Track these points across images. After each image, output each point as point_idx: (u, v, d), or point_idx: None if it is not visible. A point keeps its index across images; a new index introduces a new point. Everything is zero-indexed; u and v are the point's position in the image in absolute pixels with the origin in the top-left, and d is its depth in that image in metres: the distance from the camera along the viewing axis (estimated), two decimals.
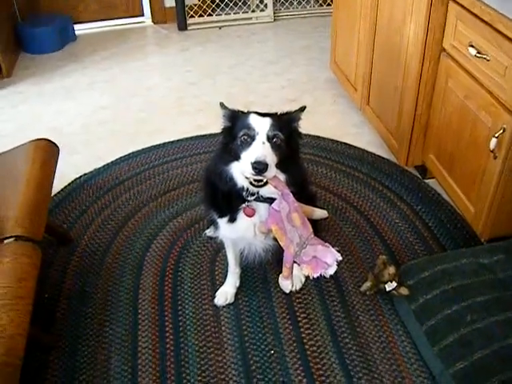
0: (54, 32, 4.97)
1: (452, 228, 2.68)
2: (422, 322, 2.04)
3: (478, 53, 2.24)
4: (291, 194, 1.89)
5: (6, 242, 1.89)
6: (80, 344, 2.19)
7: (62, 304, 2.37)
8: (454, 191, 2.64)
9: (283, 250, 1.96)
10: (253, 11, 5.56)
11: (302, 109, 1.97)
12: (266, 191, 1.91)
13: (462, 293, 2.06)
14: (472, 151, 2.43)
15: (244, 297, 2.37)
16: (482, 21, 2.19)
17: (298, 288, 2.40)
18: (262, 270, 2.48)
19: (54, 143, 2.40)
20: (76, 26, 5.20)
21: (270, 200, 1.92)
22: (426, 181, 3.02)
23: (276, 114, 1.96)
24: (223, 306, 2.33)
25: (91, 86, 4.28)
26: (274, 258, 2.36)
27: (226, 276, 2.41)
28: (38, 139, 2.39)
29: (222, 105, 1.97)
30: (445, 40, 2.54)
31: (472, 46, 2.28)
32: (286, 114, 1.98)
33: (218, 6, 5.60)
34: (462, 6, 2.33)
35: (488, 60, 2.20)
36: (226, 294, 2.37)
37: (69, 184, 3.08)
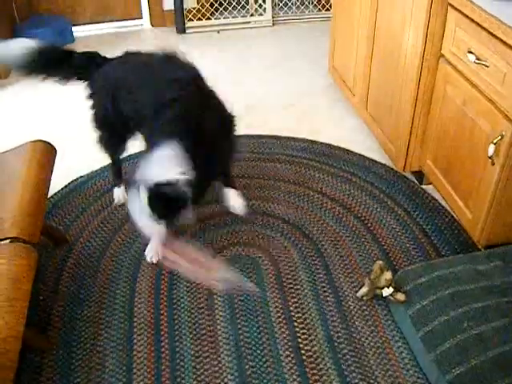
0: (52, 34, 4.96)
1: (449, 234, 2.68)
2: (418, 328, 2.03)
3: (477, 59, 2.24)
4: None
5: (2, 243, 1.88)
6: (75, 347, 2.18)
7: (58, 306, 2.36)
8: (451, 197, 2.64)
9: None
10: (251, 15, 5.56)
11: None
12: None
13: (459, 299, 2.06)
14: (470, 157, 2.43)
15: (240, 301, 2.36)
16: (482, 27, 2.19)
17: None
18: (258, 273, 2.48)
19: (51, 144, 2.40)
20: (74, 28, 5.19)
21: None
22: (424, 186, 3.01)
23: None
24: (219, 310, 2.32)
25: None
26: None
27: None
28: (35, 140, 2.39)
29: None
30: (444, 46, 2.54)
31: (471, 53, 2.28)
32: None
33: (216, 9, 5.60)
34: (462, 13, 2.33)
35: (487, 66, 2.20)
36: (156, 250, 2.55)
37: (65, 186, 3.07)
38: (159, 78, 2.43)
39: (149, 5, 5.43)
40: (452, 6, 2.41)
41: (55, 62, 2.70)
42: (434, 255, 2.56)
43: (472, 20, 2.25)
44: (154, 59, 2.59)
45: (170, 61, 2.55)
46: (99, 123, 2.72)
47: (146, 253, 2.59)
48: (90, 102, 2.70)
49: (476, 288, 2.10)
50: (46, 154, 2.34)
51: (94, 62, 2.71)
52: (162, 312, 2.32)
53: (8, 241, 1.89)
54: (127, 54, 2.73)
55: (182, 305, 2.35)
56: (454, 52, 2.44)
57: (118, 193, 2.97)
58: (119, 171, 2.98)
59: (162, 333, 2.23)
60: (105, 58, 2.74)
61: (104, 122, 2.70)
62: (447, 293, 2.09)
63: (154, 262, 2.56)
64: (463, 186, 2.52)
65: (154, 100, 2.35)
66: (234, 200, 2.85)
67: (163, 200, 2.05)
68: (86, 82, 2.74)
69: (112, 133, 2.72)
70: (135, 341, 2.20)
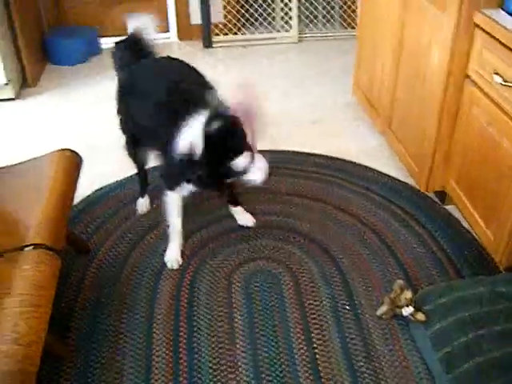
0: (79, 44, 5.05)
1: (470, 255, 2.66)
2: (437, 349, 2.02)
3: (504, 81, 2.23)
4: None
5: (26, 249, 1.90)
6: (94, 355, 2.20)
7: (78, 314, 2.38)
8: (473, 218, 2.63)
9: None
10: (277, 31, 5.60)
11: None
12: None
13: (479, 321, 2.04)
14: (494, 179, 2.42)
15: (260, 315, 2.36)
16: (509, 49, 2.19)
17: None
18: (278, 290, 2.48)
19: (78, 154, 2.42)
20: (101, 40, 5.26)
21: None
22: (446, 206, 3.00)
23: None
24: (238, 323, 2.32)
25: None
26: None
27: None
28: (62, 149, 2.41)
29: None
30: (469, 67, 2.54)
31: (497, 74, 2.28)
32: None
33: (243, 25, 5.65)
34: (488, 34, 2.33)
35: None
36: (176, 257, 2.62)
37: (90, 195, 3.11)
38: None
39: (176, 19, 5.50)
40: (478, 27, 2.41)
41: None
42: (455, 276, 2.54)
43: (499, 41, 2.25)
44: (170, 68, 2.72)
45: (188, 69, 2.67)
46: (122, 128, 2.79)
47: (165, 259, 2.63)
48: (116, 102, 2.76)
49: (496, 310, 2.09)
50: (73, 162, 2.36)
51: (125, 59, 2.77)
52: (181, 324, 2.33)
53: (32, 247, 1.91)
54: (151, 58, 2.81)
55: (202, 316, 2.36)
56: (480, 73, 2.44)
57: (141, 203, 3.00)
58: (144, 181, 3.02)
59: (181, 344, 2.24)
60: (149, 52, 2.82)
61: (125, 127, 2.77)
62: (467, 314, 2.07)
63: (175, 267, 2.59)
64: (486, 206, 2.51)
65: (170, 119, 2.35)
66: (242, 215, 2.90)
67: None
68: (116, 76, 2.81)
69: (131, 139, 2.78)
70: (154, 351, 2.21)
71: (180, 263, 2.62)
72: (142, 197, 3.01)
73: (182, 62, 2.73)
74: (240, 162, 2.14)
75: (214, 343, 2.24)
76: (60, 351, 2.19)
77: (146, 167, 2.98)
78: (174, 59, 2.77)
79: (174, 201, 2.58)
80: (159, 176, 2.77)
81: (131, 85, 2.63)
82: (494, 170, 2.41)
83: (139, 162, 2.93)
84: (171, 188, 2.53)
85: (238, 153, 2.14)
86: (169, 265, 2.61)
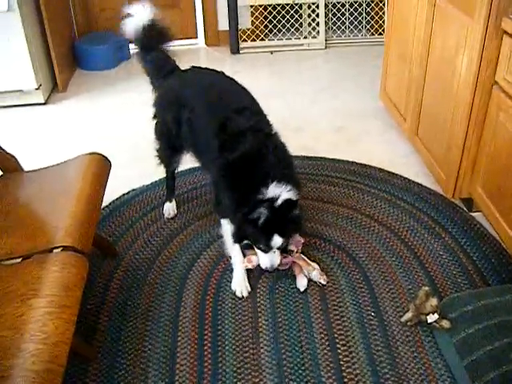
0: (109, 50, 5.12)
1: (497, 263, 2.64)
2: (462, 357, 2.01)
3: None
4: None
5: (54, 251, 1.93)
6: (119, 357, 2.22)
7: (104, 316, 2.41)
8: (500, 225, 2.61)
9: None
10: (305, 38, 5.61)
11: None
12: None
13: (506, 329, 2.03)
14: None
15: (284, 320, 2.37)
16: None
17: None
18: (303, 295, 2.48)
19: (106, 158, 2.45)
20: (131, 46, 5.30)
21: None
22: (472, 214, 2.98)
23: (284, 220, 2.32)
24: (263, 330, 2.33)
25: (143, 104, 4.32)
26: None
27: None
28: (91, 153, 2.45)
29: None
30: (497, 73, 2.52)
31: None
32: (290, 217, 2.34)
33: (270, 31, 5.67)
34: None
35: None
36: (244, 284, 2.53)
37: (117, 198, 3.14)
38: (224, 106, 2.55)
39: (204, 25, 5.55)
40: (507, 33, 2.40)
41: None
42: (481, 283, 2.52)
43: None
44: (219, 82, 2.76)
45: (233, 87, 2.71)
46: (159, 134, 2.84)
47: (233, 288, 2.54)
48: (153, 111, 2.82)
49: None
50: (101, 166, 2.39)
51: (168, 66, 2.86)
52: (206, 328, 2.34)
53: (61, 249, 1.94)
54: (194, 69, 2.85)
55: (226, 321, 2.37)
56: (508, 79, 2.42)
57: (169, 207, 3.02)
58: (172, 186, 3.04)
59: (206, 348, 2.25)
60: (177, 67, 2.88)
61: (162, 133, 2.81)
62: (493, 322, 2.06)
63: (245, 295, 2.51)
64: None
65: (215, 130, 2.48)
66: None
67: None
68: (152, 87, 2.92)
69: (169, 145, 2.82)
70: (178, 354, 2.22)
71: (249, 290, 2.52)
72: (170, 201, 3.03)
73: (230, 78, 2.80)
74: (276, 240, 2.34)
75: (239, 347, 2.25)
76: (86, 352, 2.21)
77: (176, 171, 3.03)
78: (218, 72, 2.85)
79: (229, 228, 2.58)
80: (213, 206, 2.84)
81: (180, 96, 2.69)
82: None
83: (171, 168, 2.97)
84: (226, 216, 2.57)
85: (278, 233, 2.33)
86: (238, 293, 2.50)
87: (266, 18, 5.57)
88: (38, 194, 2.34)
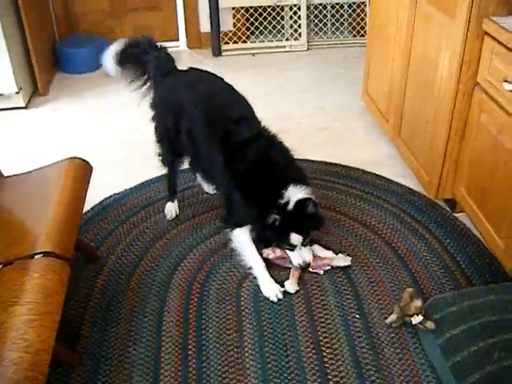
0: (90, 53, 5.07)
1: (480, 263, 2.65)
2: (447, 358, 2.01)
3: None
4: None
5: (35, 257, 1.91)
6: (102, 363, 2.20)
7: (87, 322, 2.39)
8: (483, 226, 2.61)
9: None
10: (287, 39, 5.62)
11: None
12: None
13: (490, 329, 2.03)
14: (504, 187, 2.41)
15: (268, 323, 2.36)
16: None
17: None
18: (287, 297, 2.47)
19: (88, 162, 2.43)
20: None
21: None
22: (456, 214, 2.99)
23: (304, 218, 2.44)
24: (248, 332, 2.32)
25: (125, 107, 4.32)
26: None
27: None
28: (72, 157, 2.43)
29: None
30: (479, 74, 2.53)
31: (507, 82, 2.27)
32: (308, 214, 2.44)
33: (252, 33, 5.67)
34: (498, 41, 2.32)
35: None
36: (274, 289, 2.49)
37: (99, 203, 3.12)
38: (223, 118, 2.59)
39: (186, 27, 5.53)
40: (488, 34, 2.41)
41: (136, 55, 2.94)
42: (465, 284, 2.53)
43: (508, 49, 2.25)
44: (217, 90, 2.79)
45: (233, 93, 2.75)
46: (158, 137, 2.84)
47: (265, 295, 2.49)
48: (152, 113, 2.82)
49: (507, 319, 2.07)
50: (82, 170, 2.37)
51: (166, 66, 2.87)
52: (190, 332, 2.32)
53: (42, 255, 1.92)
54: (192, 71, 2.88)
55: (211, 325, 2.35)
56: (490, 80, 2.43)
57: (171, 207, 3.00)
58: (174, 186, 3.03)
59: (190, 352, 2.23)
60: (175, 67, 2.90)
61: (162, 137, 2.82)
62: (478, 323, 2.06)
63: (281, 297, 2.47)
64: (496, 214, 2.50)
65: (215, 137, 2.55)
66: None
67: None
68: (151, 90, 2.91)
69: (169, 150, 2.83)
70: (162, 359, 2.20)
71: (282, 290, 2.49)
72: (172, 201, 3.02)
73: (228, 85, 2.85)
74: (294, 238, 2.44)
75: (223, 351, 2.24)
76: (70, 359, 2.19)
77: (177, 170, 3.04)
78: (217, 76, 2.91)
79: (244, 236, 2.60)
80: (223, 220, 2.82)
81: (179, 101, 2.70)
82: (504, 178, 2.40)
83: (173, 169, 2.97)
84: (239, 225, 2.59)
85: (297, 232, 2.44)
86: (273, 298, 2.46)
87: (247, 20, 5.56)
88: (19, 199, 2.32)
